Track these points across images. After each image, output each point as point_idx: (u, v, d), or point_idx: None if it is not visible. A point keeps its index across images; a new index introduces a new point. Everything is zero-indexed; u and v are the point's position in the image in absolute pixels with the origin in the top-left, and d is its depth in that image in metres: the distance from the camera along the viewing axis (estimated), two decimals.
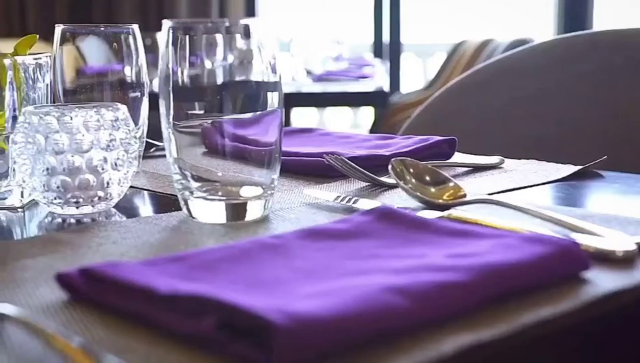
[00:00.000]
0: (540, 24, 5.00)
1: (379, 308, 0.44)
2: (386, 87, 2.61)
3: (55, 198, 0.78)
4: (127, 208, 0.83)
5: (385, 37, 4.84)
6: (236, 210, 0.72)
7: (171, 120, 0.74)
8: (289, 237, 0.60)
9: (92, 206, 0.79)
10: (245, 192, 0.74)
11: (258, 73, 0.74)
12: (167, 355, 0.43)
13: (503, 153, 1.02)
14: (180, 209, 0.76)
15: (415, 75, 5.64)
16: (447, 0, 5.74)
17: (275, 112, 0.73)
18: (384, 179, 0.86)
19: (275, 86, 0.74)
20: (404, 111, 3.56)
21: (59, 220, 0.78)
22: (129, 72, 0.99)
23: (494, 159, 0.98)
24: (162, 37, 0.75)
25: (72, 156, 0.76)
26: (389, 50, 4.74)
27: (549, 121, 1.45)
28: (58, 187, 0.77)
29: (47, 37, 3.35)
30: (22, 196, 0.82)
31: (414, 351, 0.43)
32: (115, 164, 0.78)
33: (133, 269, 0.51)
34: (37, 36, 0.88)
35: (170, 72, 0.73)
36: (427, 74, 5.56)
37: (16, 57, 0.81)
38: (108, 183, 0.78)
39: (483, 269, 0.50)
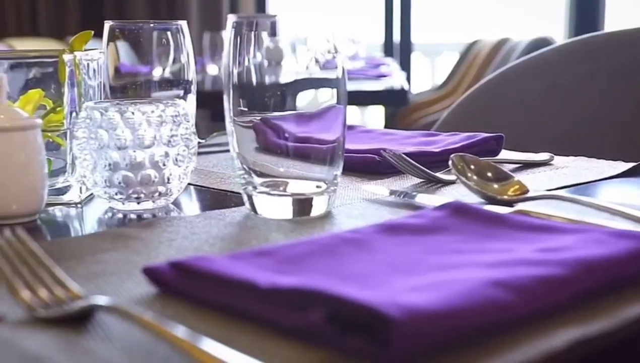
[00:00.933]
0: (544, 24, 5.01)
1: (486, 301, 0.44)
2: (406, 86, 2.60)
3: (116, 194, 0.78)
4: (183, 204, 0.83)
5: (396, 37, 4.84)
6: (302, 206, 0.72)
7: (232, 115, 0.74)
8: (367, 231, 0.60)
9: (153, 202, 0.79)
10: (308, 188, 0.74)
11: (319, 69, 0.74)
12: (270, 347, 0.43)
13: (537, 149, 1.02)
14: (239, 205, 0.76)
15: (424, 75, 5.62)
16: (454, 0, 5.74)
17: (338, 109, 0.73)
18: (439, 175, 0.86)
19: (337, 83, 0.74)
20: (418, 110, 3.56)
21: (120, 215, 0.78)
22: (174, 69, 0.99)
23: (543, 156, 0.97)
24: (226, 32, 0.75)
25: (135, 151, 0.76)
26: (400, 49, 4.74)
27: (580, 117, 1.45)
28: (120, 183, 0.77)
29: (58, 35, 3.36)
30: (80, 191, 0.82)
31: (523, 345, 0.43)
32: (176, 160, 0.78)
33: (225, 263, 0.51)
34: (92, 32, 0.88)
35: (233, 67, 0.73)
36: (435, 73, 5.56)
37: (76, 53, 0.81)
38: (169, 178, 0.78)
39: (577, 263, 0.50)
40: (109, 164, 0.77)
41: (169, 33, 1.00)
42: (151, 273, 0.53)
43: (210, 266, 0.51)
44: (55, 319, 0.48)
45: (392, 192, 0.80)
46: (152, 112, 0.77)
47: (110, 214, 0.79)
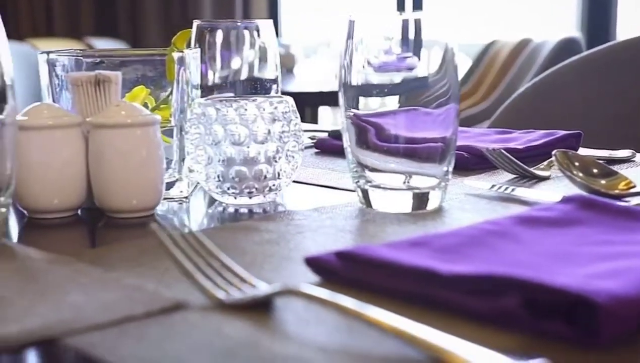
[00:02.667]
0: (547, 26, 5.03)
1: None
2: None
3: (229, 188, 0.80)
4: (286, 198, 0.84)
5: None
6: (420, 200, 0.74)
7: (346, 112, 0.76)
8: (505, 223, 0.61)
9: (264, 196, 0.80)
10: (424, 182, 0.75)
11: (428, 68, 0.76)
12: (464, 332, 0.45)
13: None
14: (347, 199, 0.78)
15: None
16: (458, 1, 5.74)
17: (450, 107, 0.75)
18: (536, 171, 0.88)
19: (449, 81, 0.75)
20: None
21: (231, 210, 0.80)
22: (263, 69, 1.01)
23: (625, 152, 0.99)
24: (343, 31, 0.76)
25: (249, 147, 0.78)
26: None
27: (631, 118, 1.47)
28: (234, 178, 0.79)
29: (73, 35, 3.36)
30: (187, 186, 0.84)
31: None
32: (287, 155, 0.79)
33: (392, 252, 0.53)
34: (192, 31, 0.89)
35: (349, 66, 0.75)
36: None
37: (185, 52, 0.83)
38: (279, 174, 0.80)
39: None
40: (224, 160, 0.79)
41: (255, 32, 1.01)
42: (315, 262, 0.55)
43: (381, 255, 0.52)
44: (242, 305, 0.50)
45: (492, 186, 0.82)
46: (265, 108, 0.79)
47: (220, 208, 0.81)
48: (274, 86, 1.04)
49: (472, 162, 0.93)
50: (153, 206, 0.77)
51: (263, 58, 1.02)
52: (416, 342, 0.41)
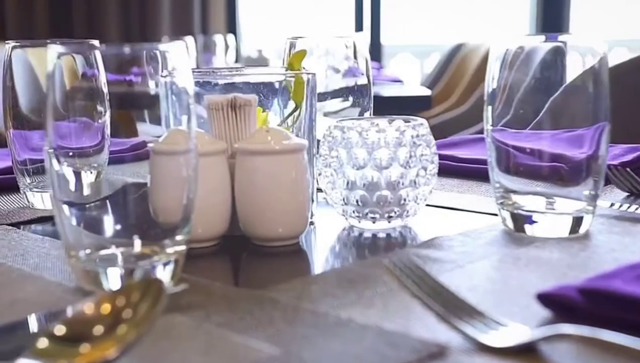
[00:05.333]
0: (506, 27, 5.11)
1: None
2: (427, 91, 2.64)
3: (353, 212, 0.79)
4: (413, 223, 0.83)
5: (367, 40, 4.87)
6: (576, 224, 0.74)
7: (491, 132, 0.76)
8: None
9: (389, 221, 0.79)
10: (572, 205, 0.75)
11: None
12: None
13: None
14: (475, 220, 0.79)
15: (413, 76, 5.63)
16: (423, 2, 5.79)
17: (600, 126, 0.75)
18: None
19: (599, 98, 0.74)
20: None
21: (356, 233, 0.79)
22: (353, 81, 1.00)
23: None
24: (495, 52, 0.76)
25: (371, 172, 0.77)
26: (371, 52, 4.76)
27: None
28: (357, 202, 0.78)
29: (26, 38, 3.30)
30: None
31: None
32: (414, 182, 0.78)
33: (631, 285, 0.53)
34: (306, 51, 0.88)
35: (496, 83, 0.75)
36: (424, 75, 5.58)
37: (310, 73, 0.82)
38: (405, 200, 0.78)
39: None
40: (347, 183, 0.78)
41: (345, 44, 1.00)
42: (549, 298, 0.54)
43: (625, 290, 0.52)
44: (509, 350, 0.49)
45: (611, 205, 0.82)
46: (391, 132, 0.78)
47: (347, 232, 0.79)
48: (367, 102, 1.02)
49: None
50: (299, 234, 0.75)
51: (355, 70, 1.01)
52: None
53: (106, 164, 0.73)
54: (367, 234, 0.79)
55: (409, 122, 0.80)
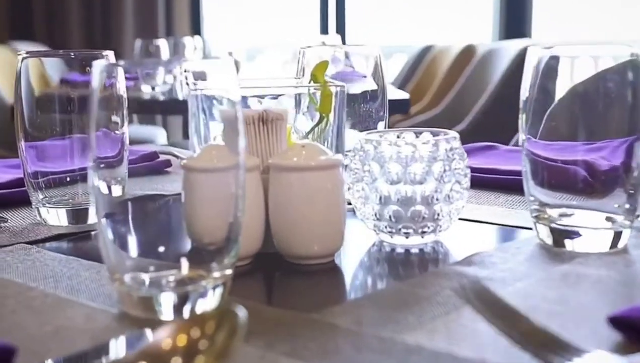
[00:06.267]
0: (470, 29, 5.14)
1: None
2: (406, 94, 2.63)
3: (385, 227, 0.77)
4: (445, 237, 0.82)
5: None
6: (616, 238, 0.73)
7: (525, 145, 0.75)
8: None
9: (422, 237, 0.78)
10: (606, 220, 0.74)
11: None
12: None
13: None
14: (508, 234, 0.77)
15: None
16: (386, 4, 5.79)
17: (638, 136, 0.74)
18: None
19: (637, 110, 0.73)
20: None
21: (388, 249, 0.77)
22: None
23: None
24: (530, 61, 0.75)
25: (405, 186, 0.75)
26: None
27: None
28: (390, 217, 0.76)
29: None
30: None
31: None
32: (448, 197, 0.77)
33: None
34: (329, 61, 0.86)
35: (534, 93, 0.74)
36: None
37: (337, 84, 0.80)
38: (439, 215, 0.77)
39: None
40: (380, 198, 0.76)
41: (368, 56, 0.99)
42: (622, 321, 0.53)
43: None
44: None
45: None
46: (425, 146, 0.76)
47: (378, 247, 0.78)
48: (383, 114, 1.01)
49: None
50: (335, 251, 0.73)
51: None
52: None
53: (127, 177, 0.71)
54: (399, 250, 0.77)
55: (438, 135, 0.79)
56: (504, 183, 1.01)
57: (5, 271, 0.69)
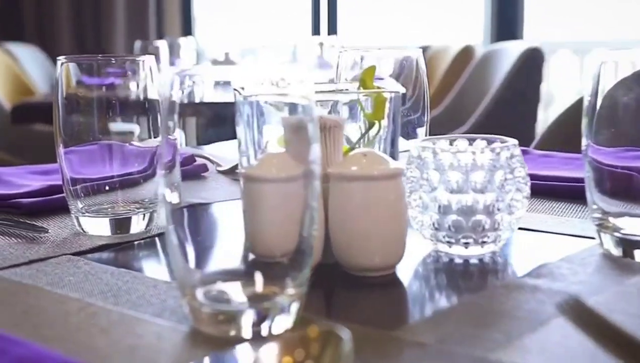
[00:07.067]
0: (462, 31, 5.14)
1: None
2: None
3: (444, 237, 0.75)
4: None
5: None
6: None
7: (589, 152, 0.73)
8: None
9: (482, 247, 0.76)
10: None
11: None
12: None
13: None
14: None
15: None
16: (378, 5, 5.78)
17: None
18: None
19: None
20: None
21: (445, 259, 0.75)
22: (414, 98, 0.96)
23: None
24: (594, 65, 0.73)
25: (466, 196, 0.73)
26: None
27: None
28: (449, 227, 0.74)
29: None
30: None
31: None
32: (509, 206, 0.75)
33: None
34: (376, 66, 0.84)
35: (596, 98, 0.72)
36: None
37: (392, 90, 0.77)
38: (499, 224, 0.75)
39: None
40: (439, 207, 0.74)
41: (404, 61, 0.97)
42: None
43: None
44: None
45: None
46: (485, 155, 0.74)
47: (435, 257, 0.76)
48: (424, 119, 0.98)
49: None
50: (396, 263, 0.71)
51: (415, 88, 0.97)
52: None
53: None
54: (458, 260, 0.75)
55: (493, 142, 0.77)
56: (557, 191, 0.99)
57: (58, 285, 0.67)
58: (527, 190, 0.76)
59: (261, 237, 0.58)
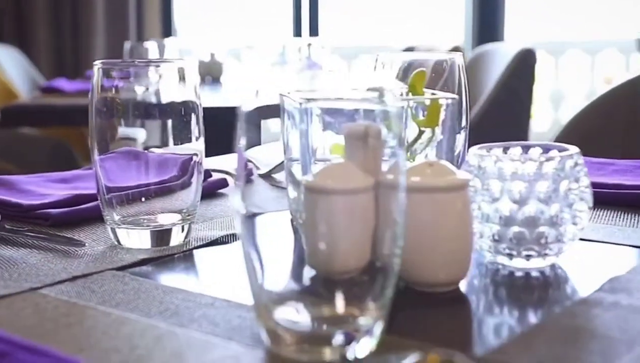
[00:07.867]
0: (443, 33, 5.14)
1: None
2: None
3: (505, 249, 0.72)
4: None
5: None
6: None
7: None
8: None
9: (543, 259, 0.73)
10: None
11: None
12: None
13: None
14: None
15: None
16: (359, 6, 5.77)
17: None
18: None
19: None
20: None
21: (505, 272, 0.72)
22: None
23: None
24: None
25: (530, 206, 0.70)
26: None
27: None
28: (511, 239, 0.71)
29: None
30: None
31: None
32: (573, 217, 0.72)
33: None
34: (426, 70, 0.81)
35: None
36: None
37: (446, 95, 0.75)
38: (562, 236, 0.72)
39: None
40: (501, 218, 0.71)
41: (444, 65, 0.93)
42: None
43: None
44: None
45: None
46: (549, 163, 0.71)
47: (494, 269, 0.73)
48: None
49: None
50: (461, 279, 0.68)
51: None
52: None
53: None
54: (519, 273, 0.72)
55: (550, 150, 0.74)
56: (619, 199, 0.96)
57: (110, 304, 0.63)
58: (590, 200, 0.73)
59: (336, 254, 0.55)
